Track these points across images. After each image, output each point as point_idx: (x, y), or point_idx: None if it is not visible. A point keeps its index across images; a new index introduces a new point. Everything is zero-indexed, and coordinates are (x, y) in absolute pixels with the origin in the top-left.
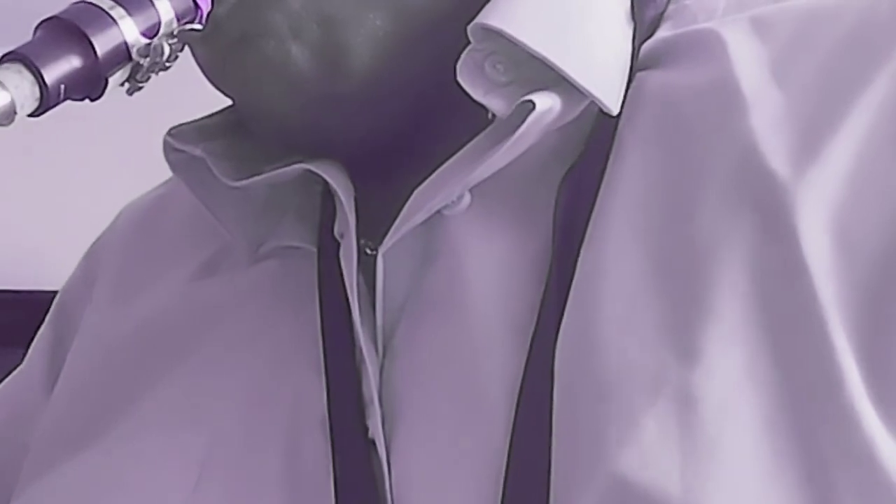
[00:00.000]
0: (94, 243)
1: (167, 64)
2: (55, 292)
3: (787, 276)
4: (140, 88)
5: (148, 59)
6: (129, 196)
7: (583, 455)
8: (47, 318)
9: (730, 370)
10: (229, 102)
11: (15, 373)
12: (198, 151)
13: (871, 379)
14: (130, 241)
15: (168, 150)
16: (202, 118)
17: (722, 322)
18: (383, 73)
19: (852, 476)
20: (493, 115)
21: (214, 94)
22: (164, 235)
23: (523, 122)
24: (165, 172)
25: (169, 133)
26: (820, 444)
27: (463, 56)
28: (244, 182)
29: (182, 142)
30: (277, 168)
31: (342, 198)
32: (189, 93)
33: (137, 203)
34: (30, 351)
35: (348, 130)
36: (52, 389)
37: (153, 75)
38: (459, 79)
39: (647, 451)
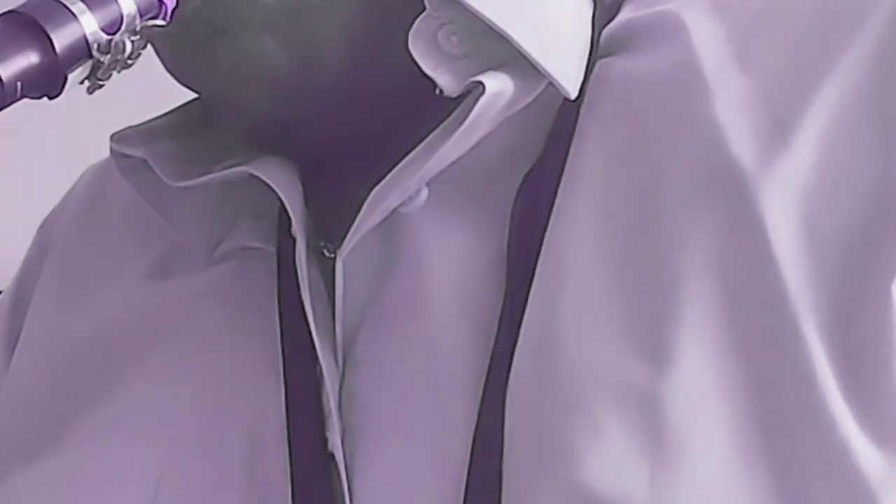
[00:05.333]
0: (50, 214)
1: (129, 62)
2: None
3: (755, 269)
4: (101, 86)
5: (109, 56)
6: None
7: (544, 465)
8: (6, 290)
9: (698, 373)
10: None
11: None
12: (140, 153)
13: (843, 374)
14: (80, 222)
15: (115, 155)
16: (148, 121)
17: (688, 322)
18: (355, 64)
19: (826, 478)
20: (440, 91)
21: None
22: (113, 218)
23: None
24: None
25: (112, 138)
26: (792, 446)
27: (417, 22)
28: (189, 183)
29: (125, 145)
30: (224, 169)
31: (285, 200)
32: (151, 91)
33: (94, 171)
34: None
35: (320, 124)
36: (10, 357)
37: (114, 73)
38: (411, 47)
39: (614, 461)
